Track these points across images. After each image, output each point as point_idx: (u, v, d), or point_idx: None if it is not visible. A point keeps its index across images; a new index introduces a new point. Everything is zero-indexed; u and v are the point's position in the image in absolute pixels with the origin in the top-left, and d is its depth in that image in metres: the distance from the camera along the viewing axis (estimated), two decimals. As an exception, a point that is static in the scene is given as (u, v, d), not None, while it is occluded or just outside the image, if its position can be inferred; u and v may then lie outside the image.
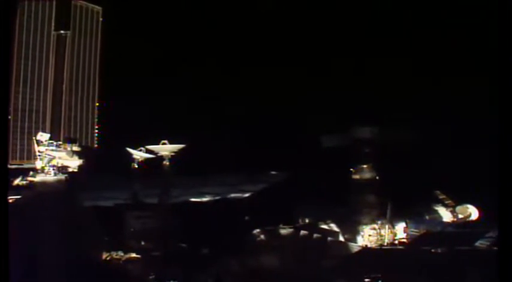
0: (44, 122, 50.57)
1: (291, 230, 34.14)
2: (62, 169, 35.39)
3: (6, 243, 14.51)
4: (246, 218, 35.97)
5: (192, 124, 42.46)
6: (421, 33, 43.57)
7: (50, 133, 41.67)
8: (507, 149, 14.77)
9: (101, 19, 54.47)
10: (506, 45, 15.30)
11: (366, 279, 27.82)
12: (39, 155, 35.28)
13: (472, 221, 38.63)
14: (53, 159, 35.21)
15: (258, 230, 34.06)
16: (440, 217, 39.28)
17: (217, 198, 40.29)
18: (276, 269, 29.97)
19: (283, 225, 34.54)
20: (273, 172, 41.15)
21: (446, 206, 39.59)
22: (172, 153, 38.25)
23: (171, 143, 38.40)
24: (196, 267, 30.65)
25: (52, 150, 35.82)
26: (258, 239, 33.84)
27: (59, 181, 34.13)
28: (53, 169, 34.71)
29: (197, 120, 43.82)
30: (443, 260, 28.80)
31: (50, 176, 34.31)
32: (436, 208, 39.53)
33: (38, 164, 35.16)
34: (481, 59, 39.75)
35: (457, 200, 39.44)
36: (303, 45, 45.44)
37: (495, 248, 29.11)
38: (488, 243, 30.45)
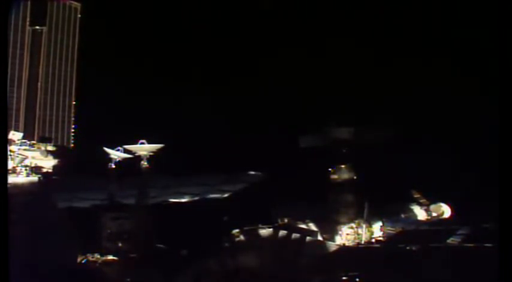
0: (17, 120, 49.11)
1: (270, 229, 34.31)
2: (35, 169, 34.48)
3: (6, 244, 14.03)
4: (225, 218, 35.93)
5: (171, 123, 42.08)
6: (399, 32, 44.25)
7: (23, 132, 40.57)
8: (506, 149, 14.82)
9: (79, 15, 53.29)
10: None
11: (344, 277, 28.28)
12: (10, 155, 34.20)
13: (445, 219, 39.82)
14: (25, 159, 34.23)
15: (237, 230, 34.10)
16: (415, 216, 40.28)
17: (195, 198, 40.08)
18: (256, 269, 30.10)
19: (262, 225, 34.68)
20: (252, 172, 41.22)
21: (421, 204, 40.61)
22: (151, 153, 37.87)
23: (149, 142, 38.01)
24: (175, 268, 30.42)
25: (25, 149, 34.86)
26: (237, 239, 33.88)
27: (31, 182, 33.23)
28: (26, 169, 33.79)
29: (176, 119, 43.45)
30: (418, 256, 29.58)
31: (22, 177, 33.40)
32: (411, 207, 40.50)
33: (9, 164, 34.08)
34: (458, 58, 40.85)
35: (431, 199, 40.52)
36: (279, 43, 45.62)
37: (466, 245, 30.29)
38: (459, 240, 31.53)
